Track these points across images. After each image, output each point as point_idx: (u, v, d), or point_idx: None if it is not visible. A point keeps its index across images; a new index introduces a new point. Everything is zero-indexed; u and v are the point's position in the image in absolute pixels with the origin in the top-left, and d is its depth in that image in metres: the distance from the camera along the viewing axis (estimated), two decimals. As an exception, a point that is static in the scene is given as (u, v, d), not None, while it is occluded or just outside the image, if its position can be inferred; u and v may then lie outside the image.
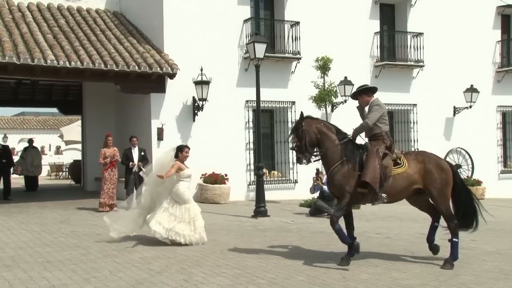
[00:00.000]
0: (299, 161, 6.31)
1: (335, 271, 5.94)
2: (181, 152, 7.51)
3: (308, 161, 6.34)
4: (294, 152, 6.46)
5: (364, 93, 6.50)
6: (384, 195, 6.01)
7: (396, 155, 6.21)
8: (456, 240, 6.20)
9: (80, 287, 5.23)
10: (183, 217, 7.32)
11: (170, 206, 7.35)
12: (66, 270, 5.83)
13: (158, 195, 7.56)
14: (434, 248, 6.58)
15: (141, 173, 8.27)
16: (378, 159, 5.99)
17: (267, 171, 14.16)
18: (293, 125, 6.55)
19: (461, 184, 6.50)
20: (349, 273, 5.82)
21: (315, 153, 6.29)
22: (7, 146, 14.47)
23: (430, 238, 6.58)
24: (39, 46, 11.78)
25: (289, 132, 6.58)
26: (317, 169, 10.91)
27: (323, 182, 10.59)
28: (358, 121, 17.27)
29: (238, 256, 6.67)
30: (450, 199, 6.30)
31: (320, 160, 6.39)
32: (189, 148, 7.67)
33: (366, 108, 6.49)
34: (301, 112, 6.44)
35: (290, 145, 6.52)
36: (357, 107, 6.66)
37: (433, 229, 6.58)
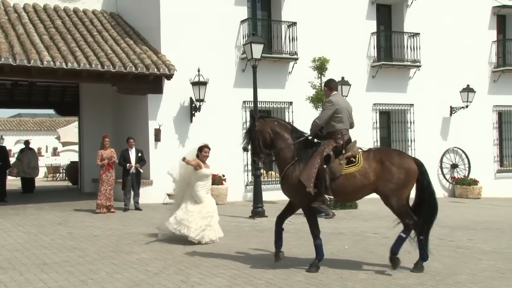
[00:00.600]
0: (254, 163, 6.26)
1: (333, 271, 5.94)
2: (200, 152, 7.79)
3: (265, 163, 6.30)
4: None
5: (325, 86, 6.34)
6: (328, 196, 5.70)
7: (352, 153, 5.87)
8: (404, 235, 5.81)
9: (77, 288, 5.22)
10: (196, 213, 7.55)
11: (189, 203, 7.69)
12: (63, 272, 5.82)
13: (184, 193, 7.91)
14: (417, 264, 5.98)
15: (169, 172, 8.22)
16: (320, 159, 5.72)
17: (264, 171, 14.16)
18: (247, 126, 6.34)
19: (427, 187, 6.01)
20: (347, 273, 5.83)
21: (270, 154, 6.12)
22: (4, 147, 14.39)
23: (422, 255, 5.97)
24: (36, 47, 11.75)
25: (243, 134, 6.31)
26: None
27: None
28: (356, 120, 17.29)
29: (235, 257, 6.67)
30: (404, 201, 5.86)
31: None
32: (209, 148, 7.86)
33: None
34: (251, 111, 6.36)
35: (244, 147, 6.28)
36: None
37: (420, 243, 5.96)
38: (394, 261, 5.88)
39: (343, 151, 5.89)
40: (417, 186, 6.07)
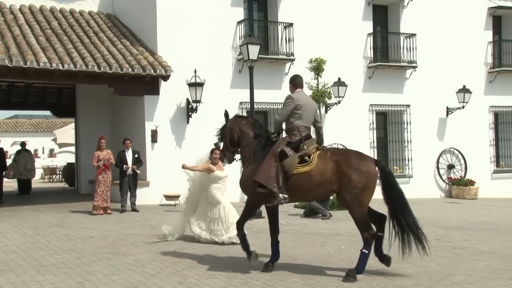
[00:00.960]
0: (220, 159, 6.33)
1: (330, 272, 5.95)
2: (211, 154, 7.88)
3: (230, 160, 6.31)
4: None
5: (290, 83, 6.27)
6: (282, 195, 5.59)
7: (306, 152, 5.68)
8: (366, 251, 5.52)
9: (74, 290, 5.21)
10: (217, 217, 7.65)
11: (206, 207, 7.79)
12: (60, 274, 5.80)
13: (200, 197, 7.97)
14: (384, 259, 5.82)
15: (184, 171, 8.20)
16: (275, 157, 5.63)
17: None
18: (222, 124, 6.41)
19: (391, 187, 5.71)
20: (344, 274, 5.83)
21: (236, 151, 6.17)
22: (1, 149, 14.28)
23: (376, 249, 5.81)
24: (32, 49, 11.72)
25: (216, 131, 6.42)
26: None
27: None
28: (353, 121, 17.22)
29: (232, 258, 6.67)
30: (367, 205, 5.64)
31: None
32: (219, 150, 7.80)
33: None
34: (225, 110, 6.35)
35: (215, 143, 6.41)
36: None
37: (377, 239, 5.77)
38: (353, 278, 5.49)
39: (304, 147, 5.73)
40: (382, 190, 5.71)
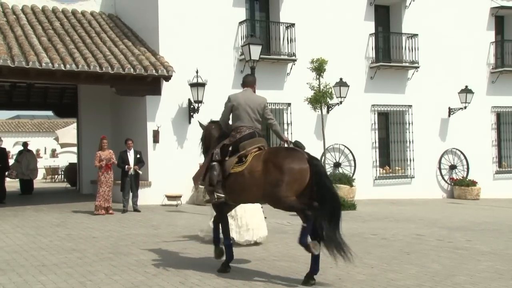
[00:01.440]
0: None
1: (331, 272, 5.95)
2: None
3: None
4: None
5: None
6: (216, 194, 5.60)
7: (245, 152, 5.59)
8: (306, 225, 5.16)
9: (76, 290, 5.21)
10: (232, 214, 7.52)
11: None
12: (62, 274, 5.81)
13: None
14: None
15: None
16: (209, 158, 5.80)
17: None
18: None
19: (327, 187, 5.29)
20: (345, 274, 5.84)
21: None
22: (4, 149, 14.29)
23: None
24: (34, 49, 11.75)
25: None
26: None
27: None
28: (354, 122, 17.14)
29: (234, 259, 6.66)
30: (290, 196, 5.19)
31: None
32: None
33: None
34: (198, 121, 6.52)
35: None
36: None
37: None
38: (313, 247, 5.23)
39: (233, 148, 5.69)
40: (315, 190, 5.26)
